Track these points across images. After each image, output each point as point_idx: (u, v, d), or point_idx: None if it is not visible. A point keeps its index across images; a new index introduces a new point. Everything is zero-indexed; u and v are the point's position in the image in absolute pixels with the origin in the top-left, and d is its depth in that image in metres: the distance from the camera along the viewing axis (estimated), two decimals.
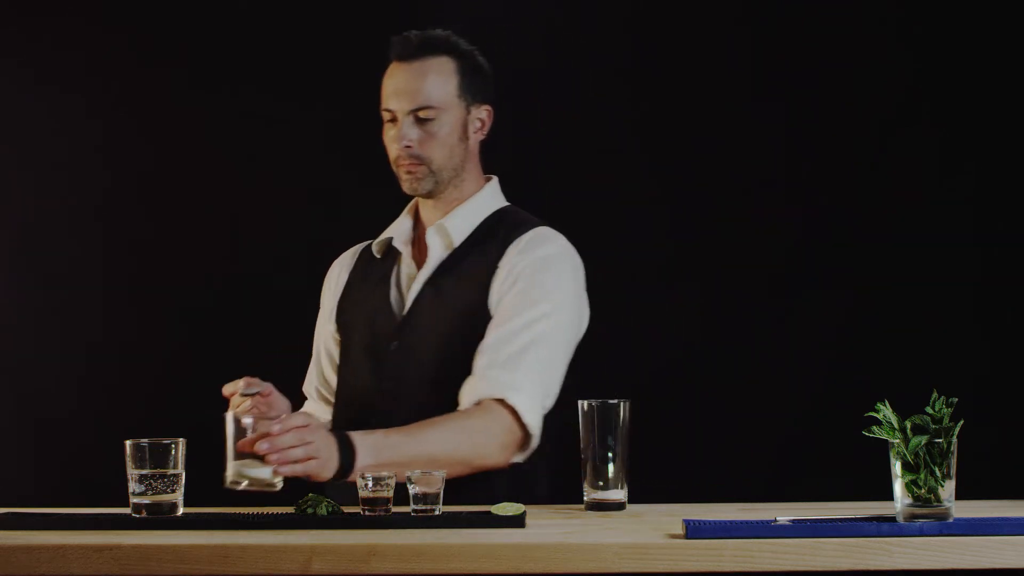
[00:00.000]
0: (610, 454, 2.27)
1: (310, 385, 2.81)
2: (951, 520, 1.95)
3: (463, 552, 1.89)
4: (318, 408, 2.78)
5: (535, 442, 2.50)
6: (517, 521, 2.08)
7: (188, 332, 3.43)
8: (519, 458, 2.51)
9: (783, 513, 2.16)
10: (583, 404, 2.30)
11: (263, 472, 2.18)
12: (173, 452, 2.15)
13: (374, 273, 2.74)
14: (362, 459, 2.28)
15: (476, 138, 2.70)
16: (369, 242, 2.80)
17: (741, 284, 3.38)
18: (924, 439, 1.95)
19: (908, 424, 1.97)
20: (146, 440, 2.14)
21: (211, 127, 3.43)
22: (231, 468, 2.19)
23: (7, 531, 2.06)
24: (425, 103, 2.62)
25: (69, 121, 3.46)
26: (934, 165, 3.36)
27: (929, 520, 1.95)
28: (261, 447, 2.15)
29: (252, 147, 3.43)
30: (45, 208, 3.44)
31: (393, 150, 2.66)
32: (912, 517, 1.96)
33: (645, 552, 1.89)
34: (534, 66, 3.35)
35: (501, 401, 2.46)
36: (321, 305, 2.84)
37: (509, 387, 2.46)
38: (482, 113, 2.70)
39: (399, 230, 2.74)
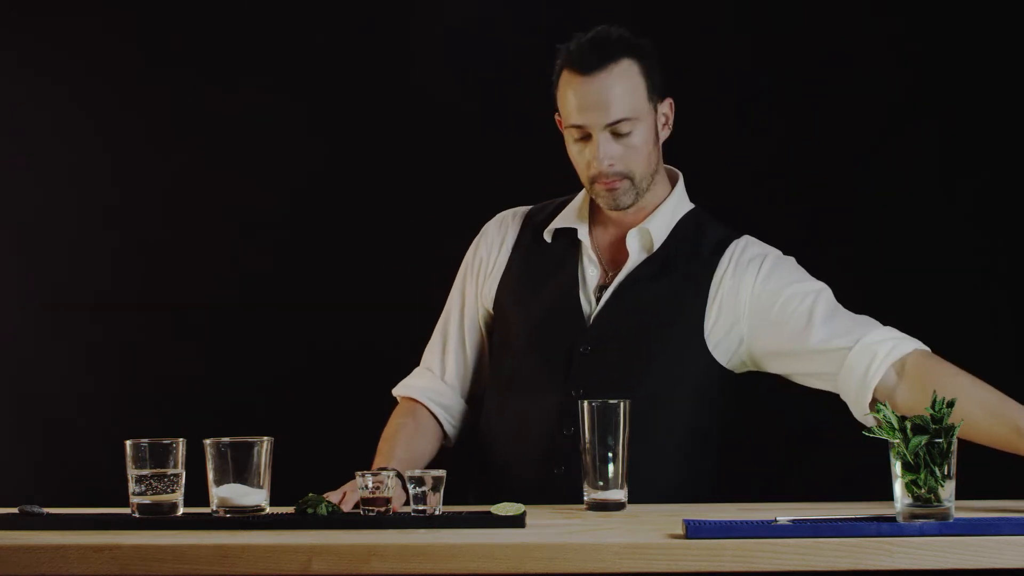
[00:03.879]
0: (610, 454, 2.27)
1: (437, 360, 2.67)
2: (951, 520, 1.95)
3: (463, 552, 1.89)
4: (432, 384, 2.64)
5: None
6: (517, 521, 2.08)
7: (189, 332, 3.42)
8: None
9: (783, 513, 2.16)
10: (583, 404, 2.30)
11: (255, 498, 2.15)
12: (173, 452, 2.15)
13: (544, 260, 2.62)
14: None
15: (664, 135, 2.59)
16: (526, 208, 2.69)
17: None
18: (924, 439, 1.95)
19: (908, 424, 1.97)
20: (146, 440, 2.14)
21: (215, 127, 3.43)
22: (215, 494, 2.15)
23: (7, 531, 2.06)
24: (621, 116, 2.47)
25: (74, 123, 3.46)
26: (935, 163, 3.36)
27: (929, 520, 1.95)
28: None
29: (257, 147, 3.43)
30: (48, 209, 3.44)
31: (591, 168, 2.51)
32: (912, 517, 1.96)
33: (645, 552, 1.89)
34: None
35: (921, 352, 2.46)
36: (469, 268, 2.68)
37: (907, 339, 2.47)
38: (665, 108, 2.57)
39: (576, 220, 2.62)
